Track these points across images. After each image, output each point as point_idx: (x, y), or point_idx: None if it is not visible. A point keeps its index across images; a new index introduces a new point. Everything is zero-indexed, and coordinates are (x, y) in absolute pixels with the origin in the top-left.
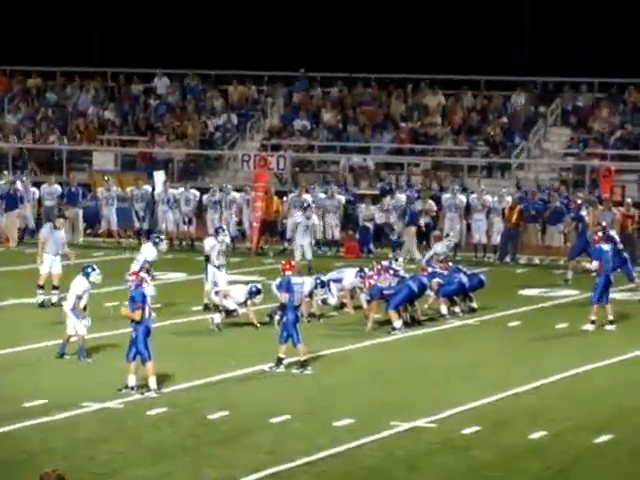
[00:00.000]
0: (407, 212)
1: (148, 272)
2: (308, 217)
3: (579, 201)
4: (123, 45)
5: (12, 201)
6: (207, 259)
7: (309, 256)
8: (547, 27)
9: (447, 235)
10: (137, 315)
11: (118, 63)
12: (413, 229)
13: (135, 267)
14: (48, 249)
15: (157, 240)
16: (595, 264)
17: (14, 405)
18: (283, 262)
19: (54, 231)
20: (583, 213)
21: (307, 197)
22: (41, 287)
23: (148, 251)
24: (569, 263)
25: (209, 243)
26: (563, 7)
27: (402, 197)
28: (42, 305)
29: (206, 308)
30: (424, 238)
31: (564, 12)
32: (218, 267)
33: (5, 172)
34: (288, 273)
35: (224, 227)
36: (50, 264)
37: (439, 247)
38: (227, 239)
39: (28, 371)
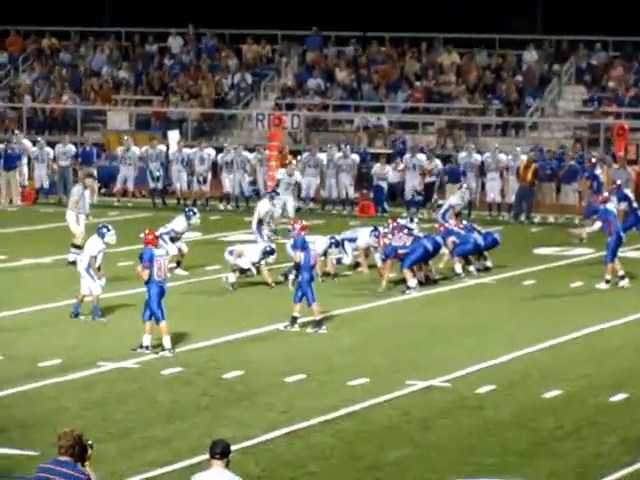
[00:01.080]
0: None
1: (173, 240)
2: (290, 174)
3: (594, 160)
4: (137, 5)
5: (10, 160)
6: (260, 222)
7: (292, 214)
8: None
9: (461, 187)
10: (144, 274)
11: (132, 23)
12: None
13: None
14: (80, 208)
15: (190, 214)
16: (598, 225)
17: (29, 365)
18: (295, 223)
19: (84, 190)
20: (598, 172)
21: (321, 156)
22: (77, 247)
23: (178, 222)
24: (584, 221)
25: (264, 207)
26: None
27: (422, 157)
28: (73, 264)
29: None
30: (429, 197)
31: None
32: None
33: (17, 132)
34: (302, 233)
35: (278, 192)
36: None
37: (454, 199)
38: (280, 203)
39: (43, 331)
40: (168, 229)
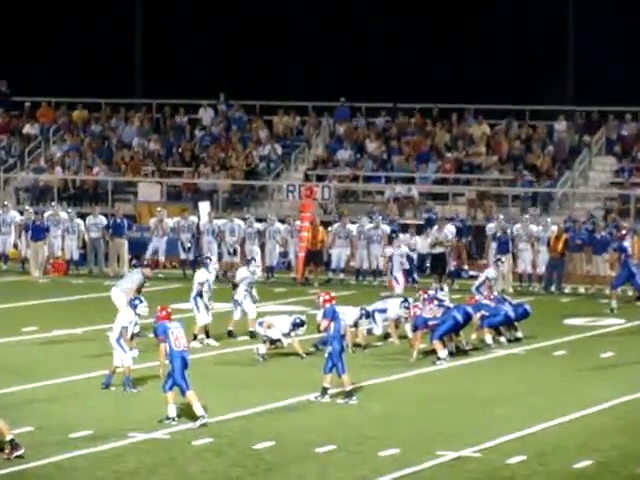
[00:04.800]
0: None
1: (200, 295)
2: (399, 246)
3: (624, 231)
4: (167, 76)
5: (39, 232)
6: (234, 287)
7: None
8: (589, 59)
9: (497, 260)
10: (161, 347)
11: (162, 95)
12: None
13: (193, 292)
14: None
15: (206, 261)
16: None
17: (61, 435)
18: (322, 296)
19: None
20: (626, 243)
21: (352, 227)
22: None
23: (199, 275)
24: (612, 292)
25: (241, 274)
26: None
27: (452, 228)
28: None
29: (252, 336)
30: (438, 269)
31: (605, 43)
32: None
33: (52, 203)
34: (329, 305)
35: (255, 258)
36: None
37: (491, 272)
38: (258, 271)
39: (74, 402)
40: (195, 287)
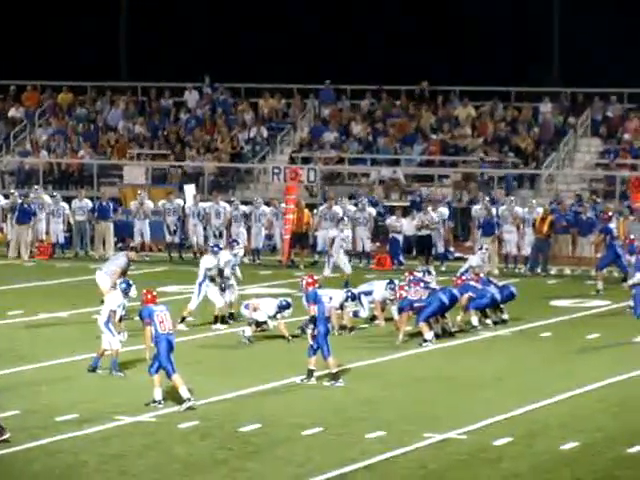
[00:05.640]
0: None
1: (213, 280)
2: (342, 230)
3: (610, 213)
4: (153, 59)
5: (25, 215)
6: (220, 272)
7: (349, 270)
8: (575, 43)
9: (481, 247)
10: (147, 331)
11: (148, 78)
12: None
13: (199, 278)
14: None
15: (215, 249)
16: (639, 276)
17: (46, 419)
18: (304, 279)
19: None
20: (612, 225)
21: (337, 209)
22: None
23: (207, 260)
24: (598, 274)
25: (224, 257)
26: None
27: (445, 210)
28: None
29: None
30: (424, 251)
31: (592, 27)
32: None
33: (36, 186)
34: (311, 289)
35: (239, 240)
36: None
37: (475, 260)
38: (241, 252)
39: (60, 385)
40: (202, 272)
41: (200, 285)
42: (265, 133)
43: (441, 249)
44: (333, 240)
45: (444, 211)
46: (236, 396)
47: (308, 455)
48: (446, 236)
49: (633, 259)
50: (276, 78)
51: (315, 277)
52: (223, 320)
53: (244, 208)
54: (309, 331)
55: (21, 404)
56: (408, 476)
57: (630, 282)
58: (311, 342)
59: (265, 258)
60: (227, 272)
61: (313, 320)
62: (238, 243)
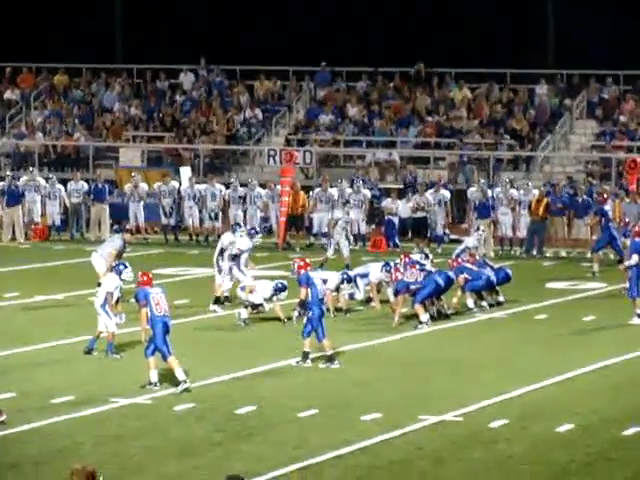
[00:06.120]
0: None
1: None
2: (347, 213)
3: (605, 195)
4: (148, 41)
5: (13, 197)
6: (221, 253)
7: (347, 254)
8: (571, 24)
9: (478, 228)
10: (142, 313)
11: (143, 60)
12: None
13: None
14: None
15: (252, 232)
16: (635, 258)
17: (42, 401)
18: (296, 262)
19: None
20: (607, 207)
21: (332, 192)
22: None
23: (242, 242)
24: (593, 256)
25: (227, 238)
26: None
27: (447, 192)
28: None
29: (217, 302)
30: (420, 233)
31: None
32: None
33: (31, 168)
34: (303, 272)
35: (241, 224)
36: None
37: (471, 241)
38: (258, 237)
39: (56, 367)
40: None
41: (217, 261)
42: (260, 115)
43: (440, 231)
44: (336, 222)
45: (445, 193)
46: (232, 378)
47: (304, 437)
48: (446, 218)
49: (628, 241)
50: (272, 60)
51: (308, 260)
52: (219, 300)
53: (244, 190)
54: (295, 314)
55: (17, 386)
56: (403, 458)
57: (626, 264)
58: (295, 325)
59: (260, 240)
60: (226, 255)
61: (302, 304)
62: (257, 232)
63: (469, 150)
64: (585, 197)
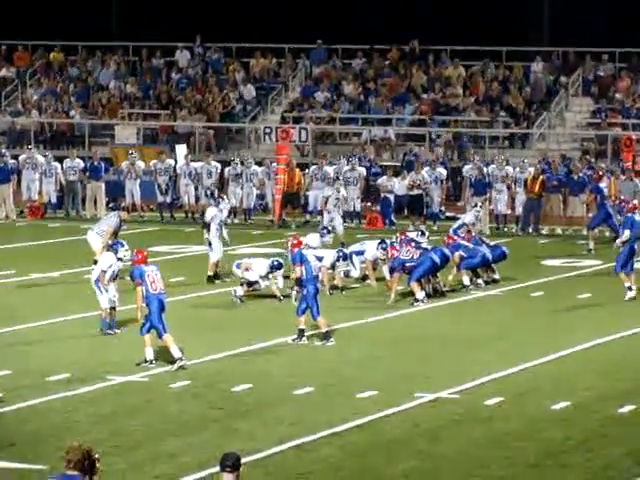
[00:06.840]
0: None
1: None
2: (337, 190)
3: (600, 172)
4: (144, 19)
5: (3, 174)
6: (208, 228)
7: (341, 231)
8: (566, 3)
9: (475, 205)
10: (138, 291)
11: (139, 37)
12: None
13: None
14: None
15: (324, 232)
16: (627, 233)
17: (38, 379)
18: (289, 241)
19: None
20: (602, 185)
21: (328, 169)
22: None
23: (312, 239)
24: (589, 233)
25: (210, 212)
26: None
27: (444, 170)
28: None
29: (210, 280)
30: (416, 211)
31: None
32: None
33: (30, 146)
34: (297, 250)
35: (224, 197)
36: None
37: (469, 217)
38: (228, 207)
39: (51, 345)
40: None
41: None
42: (253, 92)
43: (436, 208)
44: (327, 199)
45: (442, 171)
46: (227, 356)
47: (299, 414)
48: (442, 195)
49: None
50: (267, 38)
51: (300, 239)
52: (217, 277)
53: (240, 168)
54: (294, 292)
55: (13, 364)
56: (400, 435)
57: (618, 241)
58: (295, 303)
59: (257, 218)
60: (213, 228)
61: (298, 282)
62: (223, 199)
63: (465, 127)
64: (581, 174)
